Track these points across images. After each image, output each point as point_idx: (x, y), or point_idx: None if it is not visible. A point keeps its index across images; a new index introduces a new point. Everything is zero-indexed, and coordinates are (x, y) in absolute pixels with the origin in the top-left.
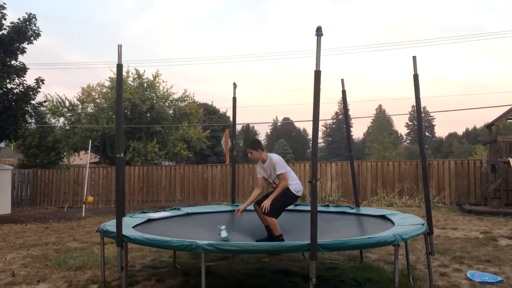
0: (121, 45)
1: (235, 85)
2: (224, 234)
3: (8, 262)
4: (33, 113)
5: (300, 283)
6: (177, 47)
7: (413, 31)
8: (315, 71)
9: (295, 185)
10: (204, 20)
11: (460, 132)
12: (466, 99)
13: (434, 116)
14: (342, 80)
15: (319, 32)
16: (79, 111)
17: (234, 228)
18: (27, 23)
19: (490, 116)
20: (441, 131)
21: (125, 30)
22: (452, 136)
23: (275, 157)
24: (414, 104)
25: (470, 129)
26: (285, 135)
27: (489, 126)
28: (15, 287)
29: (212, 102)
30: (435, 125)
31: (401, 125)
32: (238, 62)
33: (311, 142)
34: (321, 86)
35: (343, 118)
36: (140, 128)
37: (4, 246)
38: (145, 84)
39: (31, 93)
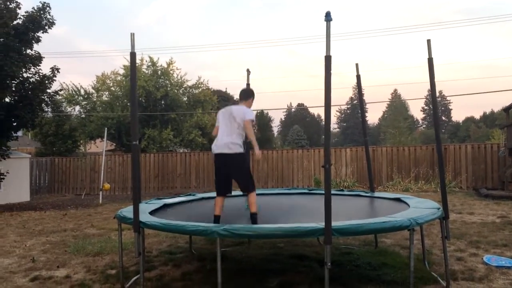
0: (133, 34)
1: (248, 72)
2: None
3: (28, 248)
4: (49, 102)
5: (315, 267)
6: (190, 34)
7: (428, 14)
8: (325, 56)
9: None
10: (216, 6)
11: (477, 116)
12: (483, 82)
13: (450, 100)
14: (357, 65)
15: (328, 17)
16: (94, 99)
17: (247, 214)
18: (41, 12)
19: (508, 99)
20: (458, 115)
21: (138, 17)
22: (469, 120)
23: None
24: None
25: (487, 113)
26: (299, 121)
27: (506, 109)
28: (35, 272)
29: (226, 88)
30: (451, 109)
31: (417, 110)
32: (251, 48)
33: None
34: (335, 71)
35: (358, 103)
36: (155, 115)
37: (24, 232)
38: (159, 72)
39: (46, 82)
